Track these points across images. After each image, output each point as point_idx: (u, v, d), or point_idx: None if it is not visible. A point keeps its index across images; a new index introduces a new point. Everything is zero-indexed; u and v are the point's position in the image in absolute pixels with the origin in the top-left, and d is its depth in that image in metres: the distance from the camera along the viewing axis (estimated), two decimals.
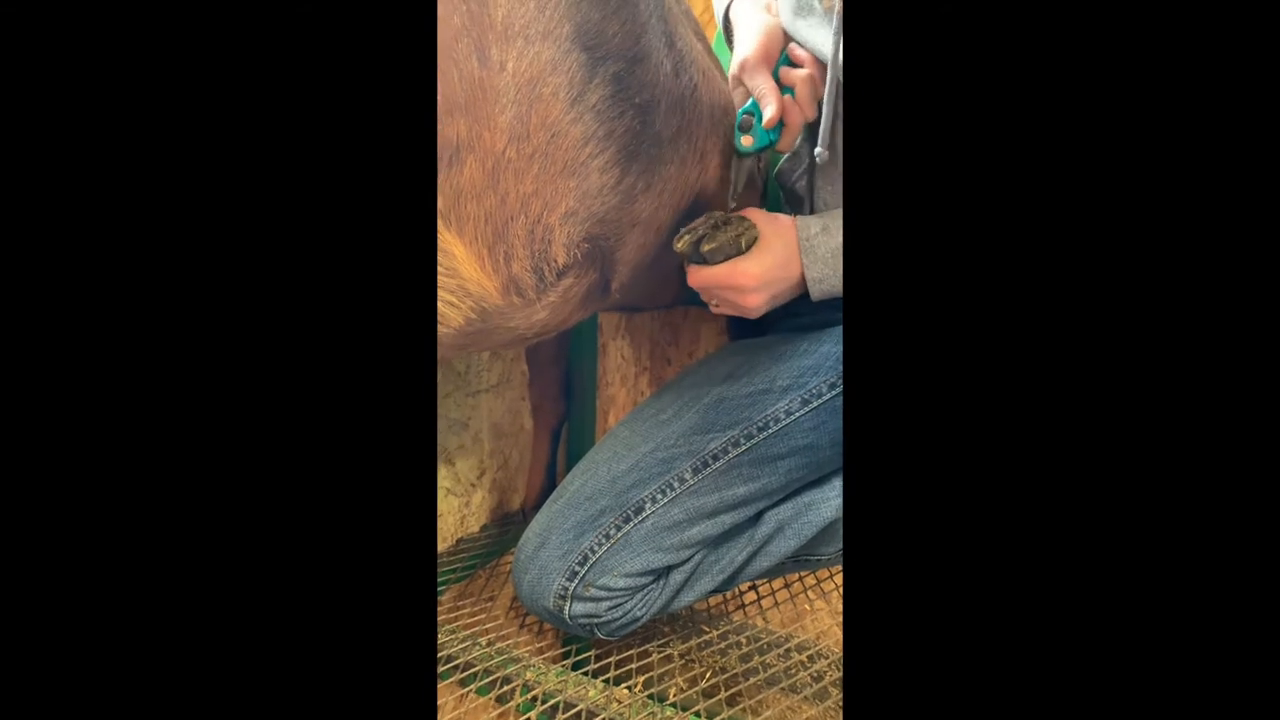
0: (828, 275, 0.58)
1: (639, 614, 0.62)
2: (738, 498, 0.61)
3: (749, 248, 0.57)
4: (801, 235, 0.58)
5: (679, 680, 0.62)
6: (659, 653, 0.67)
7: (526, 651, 0.65)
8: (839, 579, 0.81)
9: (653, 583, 0.63)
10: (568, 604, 0.60)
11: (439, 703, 0.56)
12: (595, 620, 0.61)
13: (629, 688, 0.60)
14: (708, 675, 0.63)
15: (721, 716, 0.55)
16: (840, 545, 0.70)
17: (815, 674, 0.63)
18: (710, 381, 0.64)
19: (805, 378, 0.60)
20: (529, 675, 0.59)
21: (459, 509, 0.89)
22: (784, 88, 0.57)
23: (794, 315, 0.65)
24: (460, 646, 0.63)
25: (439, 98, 0.40)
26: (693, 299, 0.69)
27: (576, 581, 0.60)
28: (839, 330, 0.62)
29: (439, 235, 0.44)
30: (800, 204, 0.69)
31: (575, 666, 0.64)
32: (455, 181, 0.43)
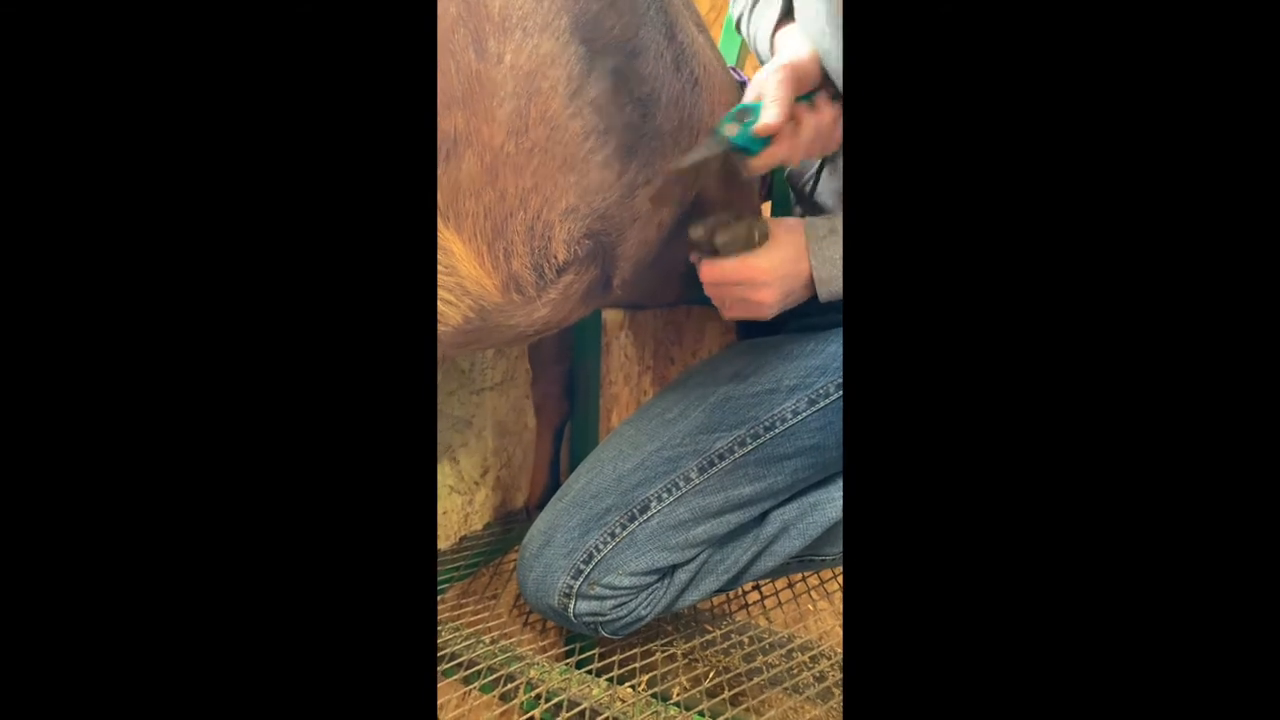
0: (836, 277, 0.57)
1: (643, 613, 0.62)
2: (743, 497, 0.61)
3: (761, 242, 0.57)
4: (809, 237, 0.57)
5: (682, 679, 0.62)
6: (662, 652, 0.67)
7: (530, 649, 0.65)
8: (842, 579, 0.81)
9: (657, 582, 0.63)
10: (572, 602, 0.60)
11: (443, 700, 0.56)
12: (600, 619, 0.61)
13: (632, 686, 0.60)
14: (711, 675, 0.63)
15: (725, 716, 0.55)
16: None
17: (818, 674, 0.63)
18: (717, 381, 0.64)
19: (812, 378, 0.60)
20: (532, 673, 0.59)
21: (462, 507, 0.89)
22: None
23: (801, 316, 0.64)
24: (464, 644, 0.63)
25: (436, 91, 0.40)
26: (696, 298, 0.69)
27: (581, 580, 0.60)
28: None
29: (438, 232, 0.44)
30: (811, 206, 0.69)
31: (579, 665, 0.64)
32: (453, 177, 0.42)
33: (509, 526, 0.92)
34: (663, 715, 0.54)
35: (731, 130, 0.53)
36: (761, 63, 0.64)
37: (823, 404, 0.60)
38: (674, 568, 0.63)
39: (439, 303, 0.47)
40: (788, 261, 0.57)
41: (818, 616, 0.76)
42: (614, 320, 0.93)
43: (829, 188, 0.66)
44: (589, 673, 0.61)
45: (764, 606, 0.78)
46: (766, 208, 0.78)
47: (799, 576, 0.82)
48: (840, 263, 0.57)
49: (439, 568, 0.79)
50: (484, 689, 0.58)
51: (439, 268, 0.45)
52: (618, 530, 0.61)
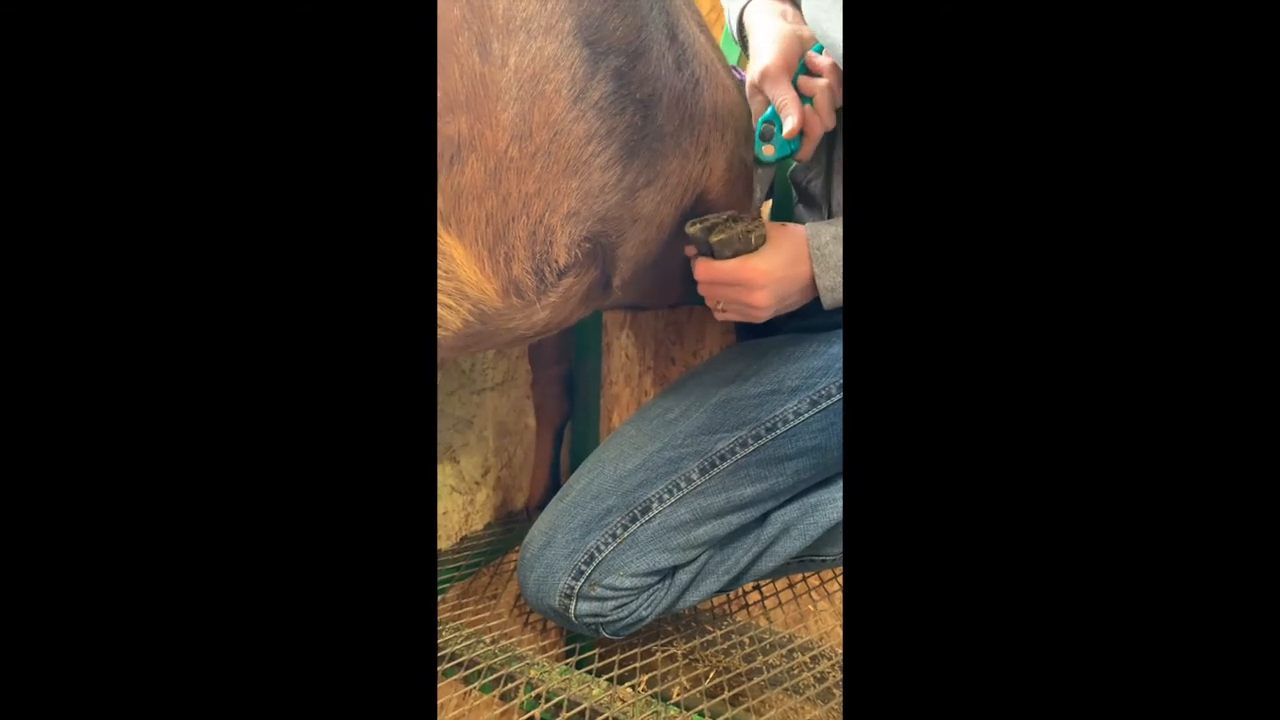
0: (840, 284, 0.57)
1: (644, 614, 0.62)
2: (745, 498, 0.61)
3: (758, 245, 0.57)
4: (813, 244, 0.57)
5: (682, 680, 0.62)
6: (662, 652, 0.67)
7: (530, 650, 0.65)
8: (843, 580, 0.81)
9: (658, 582, 0.63)
10: (573, 603, 0.60)
11: (443, 700, 0.56)
12: (600, 619, 0.61)
13: (632, 687, 0.60)
14: (711, 675, 0.63)
15: (725, 716, 0.55)
16: None
17: (818, 675, 0.63)
18: (718, 382, 0.64)
19: (814, 379, 0.60)
20: (532, 673, 0.59)
21: (463, 507, 0.89)
22: (803, 97, 0.57)
23: (803, 317, 0.64)
24: (464, 644, 0.63)
25: (439, 94, 0.40)
26: (698, 299, 0.69)
27: (582, 580, 0.60)
28: None
29: (438, 237, 0.44)
30: (815, 204, 0.69)
31: (579, 665, 0.64)
32: (456, 182, 0.42)
33: (509, 527, 0.92)
34: (663, 715, 0.54)
35: (770, 151, 0.57)
36: (735, 39, 0.66)
37: (824, 405, 0.60)
38: (675, 568, 0.63)
39: (439, 307, 0.47)
40: (784, 265, 0.57)
41: (818, 617, 0.76)
42: (615, 321, 0.93)
43: (835, 184, 0.66)
44: (589, 673, 0.61)
45: (764, 607, 0.78)
46: (766, 208, 0.78)
47: (799, 577, 0.82)
48: (843, 269, 0.57)
49: (439, 568, 0.79)
50: (484, 689, 0.58)
51: (440, 273, 0.45)
52: (619, 531, 0.61)
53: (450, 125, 0.40)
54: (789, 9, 0.62)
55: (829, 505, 0.64)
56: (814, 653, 0.67)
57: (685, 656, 0.66)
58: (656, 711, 0.55)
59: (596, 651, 0.67)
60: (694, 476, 0.61)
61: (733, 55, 0.93)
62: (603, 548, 0.60)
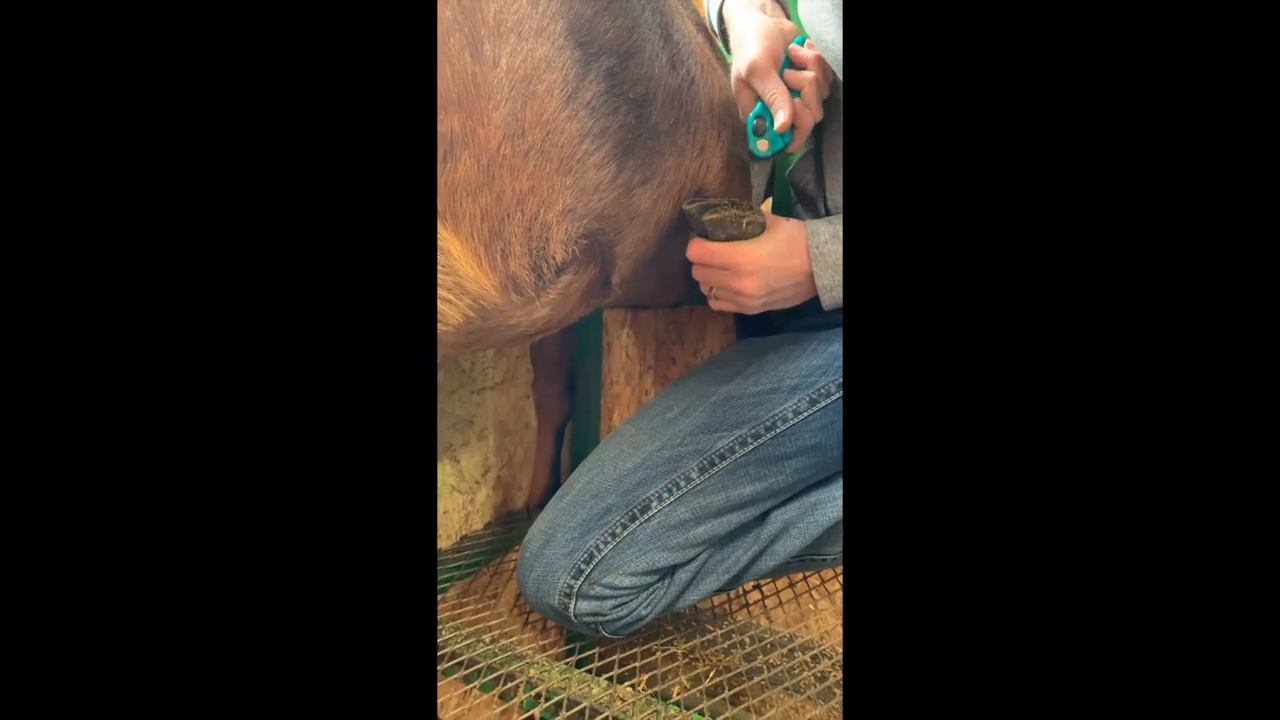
0: (839, 284, 0.57)
1: (644, 613, 0.62)
2: (744, 497, 0.61)
3: (752, 234, 0.57)
4: (811, 243, 0.57)
5: (682, 679, 0.62)
6: (662, 651, 0.67)
7: (530, 649, 0.65)
8: (842, 578, 0.81)
9: (658, 581, 0.63)
10: (573, 602, 0.60)
11: (443, 699, 0.56)
12: (600, 619, 0.61)
13: (632, 686, 0.59)
14: (711, 674, 0.63)
15: (725, 716, 0.55)
16: None
17: (819, 674, 0.63)
18: (718, 380, 0.64)
19: (814, 377, 0.60)
20: (532, 672, 0.59)
21: (463, 506, 0.89)
22: (791, 91, 0.57)
23: (802, 315, 0.64)
24: (464, 643, 0.63)
25: None
26: (698, 298, 0.69)
27: (582, 579, 0.60)
28: None
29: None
30: (812, 204, 0.69)
31: (579, 664, 0.64)
32: (450, 178, 0.42)
33: (510, 526, 0.92)
34: (663, 714, 0.54)
35: (764, 146, 0.57)
36: (718, 38, 0.66)
37: (824, 403, 0.59)
38: (675, 567, 0.63)
39: (439, 302, 0.47)
40: (776, 255, 0.57)
41: (819, 616, 0.76)
42: (615, 320, 0.93)
43: (829, 183, 0.66)
44: (589, 672, 0.61)
45: (765, 606, 0.78)
46: (767, 205, 0.78)
47: (800, 576, 0.82)
48: (843, 269, 0.57)
49: (440, 567, 0.79)
50: (484, 688, 0.58)
51: (439, 267, 0.46)
52: (618, 530, 0.61)
53: (443, 123, 0.41)
54: (768, 2, 0.62)
55: (829, 504, 0.64)
56: (814, 652, 0.67)
57: (685, 655, 0.66)
58: (656, 710, 0.55)
59: (596, 651, 0.67)
60: (693, 475, 0.61)
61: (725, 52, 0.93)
62: (602, 547, 0.60)
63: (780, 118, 0.54)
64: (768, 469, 0.60)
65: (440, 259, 0.45)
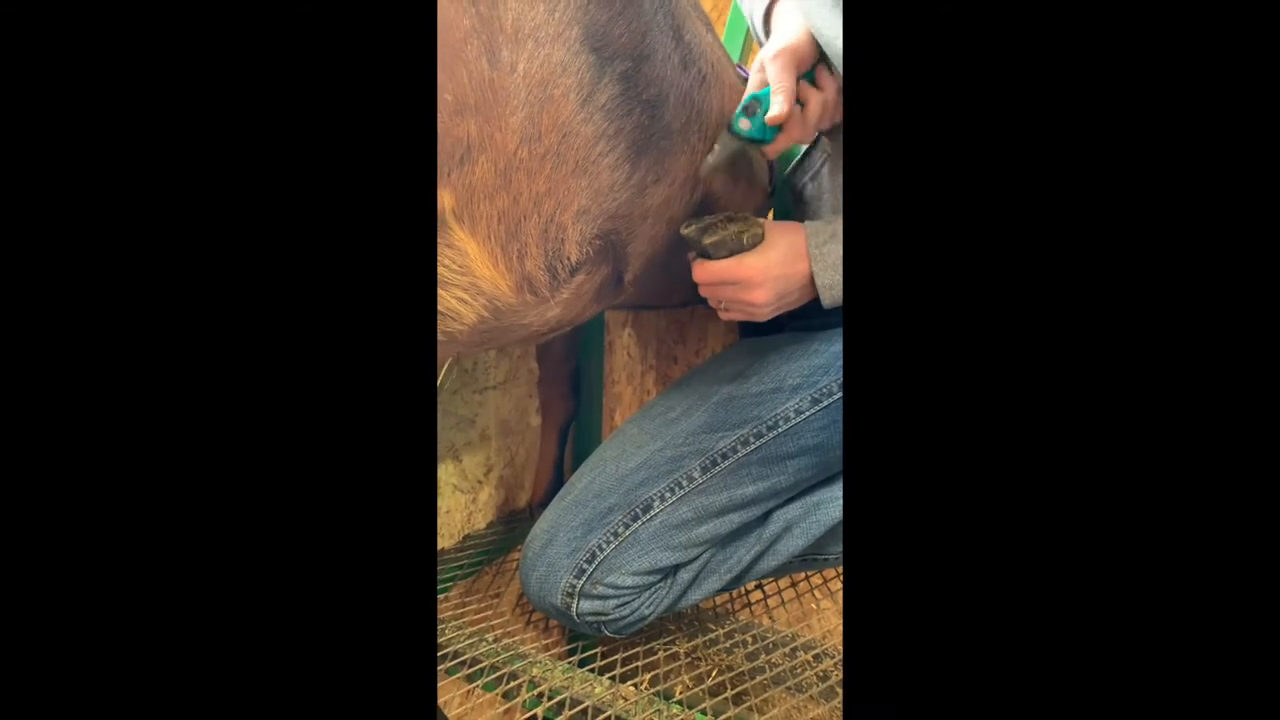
0: (839, 282, 0.57)
1: (646, 612, 0.62)
2: (746, 497, 0.61)
3: (751, 245, 0.57)
4: (811, 243, 0.57)
5: (685, 678, 0.62)
6: (665, 650, 0.67)
7: (533, 648, 0.66)
8: (843, 577, 0.81)
9: (660, 581, 0.63)
10: (575, 601, 0.60)
11: (446, 699, 0.56)
12: (603, 618, 0.61)
13: (635, 685, 0.60)
14: (713, 673, 0.63)
15: (727, 715, 0.55)
16: None
17: (821, 673, 0.63)
18: (720, 380, 0.64)
19: (815, 377, 0.60)
20: (535, 671, 0.60)
21: (466, 505, 0.89)
22: (797, 100, 0.56)
23: (804, 316, 0.64)
24: (466, 642, 0.63)
25: (448, 98, 0.40)
26: (702, 298, 0.69)
27: (584, 579, 0.60)
28: None
29: (452, 232, 0.44)
30: (807, 208, 0.69)
31: (581, 663, 0.64)
32: (468, 180, 0.43)
33: (512, 525, 0.92)
34: (665, 714, 0.54)
35: (745, 125, 0.55)
36: (757, 40, 0.65)
37: (826, 403, 0.60)
38: (677, 567, 0.63)
39: (454, 302, 0.48)
40: (782, 263, 0.57)
41: (821, 615, 0.76)
42: (617, 320, 0.93)
43: (827, 188, 0.66)
44: (591, 671, 0.61)
45: (767, 605, 0.78)
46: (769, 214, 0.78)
47: (802, 575, 0.82)
48: (842, 267, 0.57)
49: (442, 566, 0.80)
50: (487, 687, 0.58)
51: (454, 268, 0.46)
52: (621, 529, 0.61)
53: (459, 127, 0.41)
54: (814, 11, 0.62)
55: (831, 504, 0.64)
56: (817, 651, 0.67)
57: (688, 655, 0.66)
58: (659, 710, 0.55)
59: (599, 650, 0.67)
60: (695, 475, 0.61)
61: (735, 51, 0.93)
62: (604, 546, 0.60)
63: (775, 109, 0.53)
64: (770, 468, 0.60)
65: (457, 259, 0.46)
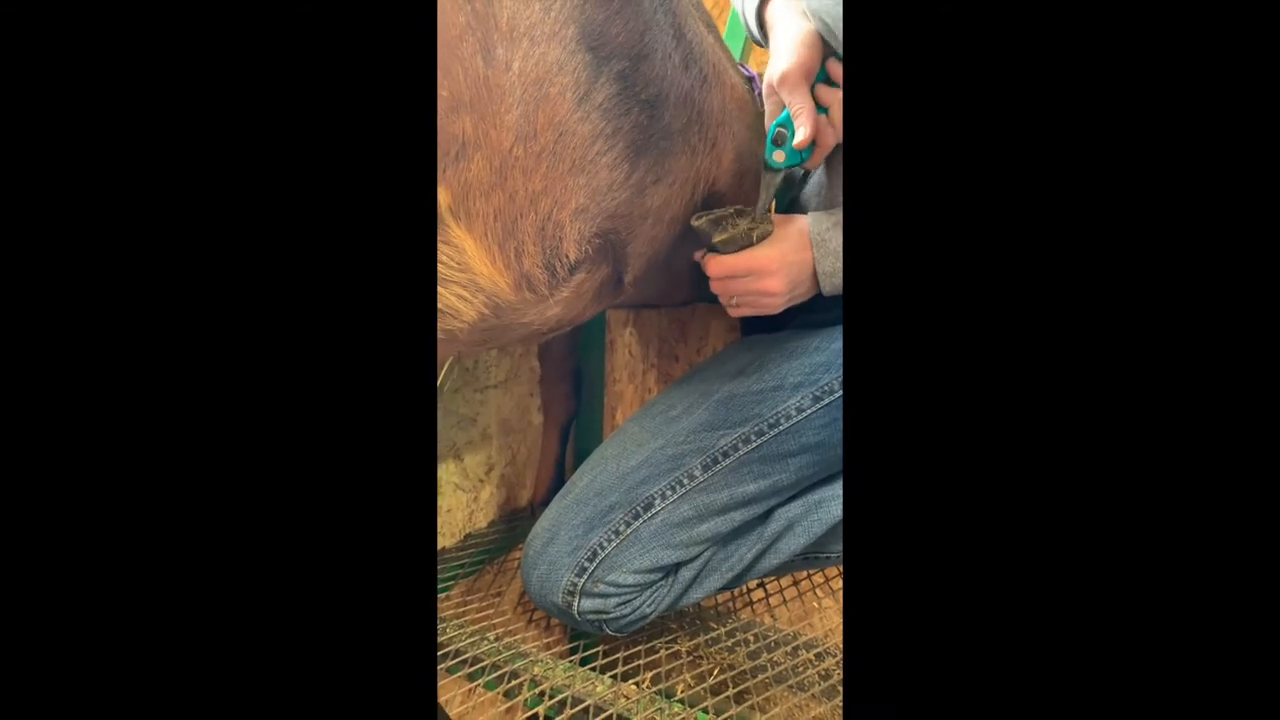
0: (839, 270, 0.57)
1: (647, 610, 0.62)
2: (747, 495, 0.60)
3: (760, 241, 0.57)
4: (813, 230, 0.57)
5: (686, 677, 0.62)
6: (666, 649, 0.67)
7: (534, 646, 0.66)
8: (843, 575, 0.80)
9: (661, 579, 0.63)
10: (576, 600, 0.60)
11: (447, 697, 0.56)
12: (604, 616, 0.61)
13: (636, 683, 0.60)
14: (715, 672, 0.63)
15: (729, 713, 0.55)
16: None
17: (823, 672, 0.63)
18: (721, 378, 0.64)
19: (817, 374, 0.60)
20: (536, 670, 0.60)
21: (467, 504, 0.89)
22: (819, 106, 0.56)
23: (806, 312, 0.64)
24: (468, 641, 0.64)
25: (444, 94, 0.40)
26: (705, 296, 0.69)
27: (585, 577, 0.60)
28: None
29: (449, 229, 0.44)
30: (806, 205, 0.69)
31: (583, 662, 0.64)
32: (463, 177, 0.43)
33: (513, 524, 0.92)
34: (667, 712, 0.54)
35: (780, 157, 0.57)
36: (752, 38, 0.65)
37: (827, 401, 0.59)
38: (678, 565, 0.63)
39: (453, 299, 0.47)
40: (792, 251, 0.57)
41: (823, 614, 0.76)
42: (618, 318, 0.93)
43: (815, 188, 0.66)
44: (593, 670, 0.61)
45: (769, 604, 0.78)
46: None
47: (804, 574, 0.82)
48: (842, 255, 0.57)
49: (444, 565, 0.80)
50: (488, 686, 0.58)
51: (453, 265, 0.46)
52: (622, 528, 0.61)
53: (455, 124, 0.41)
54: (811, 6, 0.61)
55: (832, 502, 0.64)
56: (818, 650, 0.67)
57: (689, 654, 0.66)
58: (660, 708, 0.55)
59: (600, 649, 0.67)
60: (696, 473, 0.60)
61: (736, 50, 0.92)
62: (605, 544, 0.60)
63: (800, 134, 0.53)
64: (771, 466, 0.60)
65: (455, 256, 0.46)
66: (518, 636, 0.68)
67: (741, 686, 0.60)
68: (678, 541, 0.61)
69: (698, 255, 0.61)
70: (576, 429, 0.97)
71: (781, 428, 0.60)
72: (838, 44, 0.53)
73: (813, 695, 0.60)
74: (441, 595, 0.75)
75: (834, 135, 0.56)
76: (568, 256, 0.49)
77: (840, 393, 0.59)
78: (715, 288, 0.61)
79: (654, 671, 0.62)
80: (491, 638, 0.65)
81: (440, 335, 0.50)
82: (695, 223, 0.57)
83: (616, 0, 0.45)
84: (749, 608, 0.78)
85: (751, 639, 0.69)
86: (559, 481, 0.94)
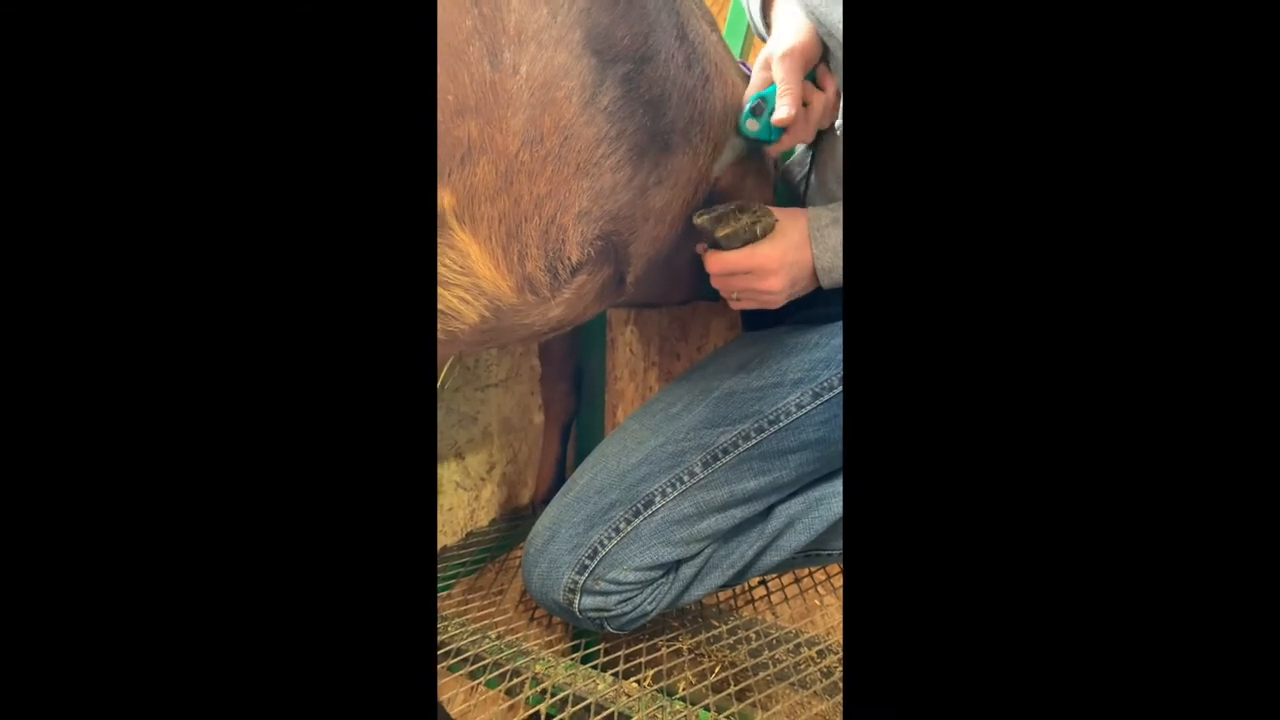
0: (838, 265, 0.57)
1: (648, 608, 0.62)
2: (748, 492, 0.60)
3: (764, 235, 0.57)
4: (812, 225, 0.57)
5: (688, 674, 0.62)
6: (668, 647, 0.67)
7: (535, 645, 0.66)
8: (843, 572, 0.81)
9: (662, 577, 0.63)
10: (577, 597, 0.60)
11: (449, 695, 0.56)
12: (605, 614, 0.61)
13: (638, 681, 0.60)
14: (717, 670, 0.63)
15: (730, 711, 0.55)
16: None
17: (824, 669, 0.63)
18: (720, 375, 0.64)
19: (816, 371, 0.60)
20: (538, 668, 0.60)
21: (468, 503, 0.89)
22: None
23: (805, 308, 0.64)
24: (470, 639, 0.64)
25: (450, 98, 0.40)
26: (706, 294, 0.69)
27: (586, 575, 0.60)
28: None
29: (454, 233, 0.44)
30: (804, 202, 0.69)
31: (584, 660, 0.64)
32: (468, 181, 0.43)
33: (515, 522, 0.93)
34: (668, 710, 0.54)
35: (753, 126, 0.57)
36: (756, 33, 0.65)
37: (827, 397, 0.59)
38: (679, 563, 0.63)
39: (455, 301, 0.48)
40: (793, 249, 0.57)
41: (824, 611, 0.76)
42: (619, 317, 0.93)
43: (815, 185, 0.66)
44: (594, 668, 0.61)
45: (770, 601, 0.78)
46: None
47: (805, 571, 0.82)
48: (841, 251, 0.57)
49: (445, 563, 0.80)
50: (490, 684, 0.58)
51: (455, 268, 0.46)
52: (622, 525, 0.61)
53: (460, 128, 0.41)
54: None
55: (833, 499, 0.64)
56: (820, 647, 0.67)
57: (691, 651, 0.67)
58: (662, 706, 0.55)
59: (602, 646, 0.67)
60: (696, 470, 0.60)
61: (736, 48, 0.92)
62: (606, 542, 0.60)
63: (782, 111, 0.54)
64: (771, 463, 0.60)
65: (458, 260, 0.46)
66: (519, 635, 0.68)
67: (743, 684, 0.60)
68: (678, 539, 0.61)
69: (700, 248, 0.61)
70: (578, 427, 0.97)
71: (781, 424, 0.60)
72: (834, 48, 0.54)
73: (814, 693, 0.60)
74: (443, 593, 0.75)
75: (805, 130, 0.57)
76: (570, 259, 0.49)
77: (840, 389, 0.59)
78: (716, 284, 0.61)
79: (655, 669, 0.63)
80: (493, 636, 0.65)
81: (441, 336, 0.50)
82: (698, 220, 0.57)
83: (622, 3, 0.45)
84: (750, 605, 0.78)
85: (753, 636, 0.69)
86: (560, 480, 0.94)
